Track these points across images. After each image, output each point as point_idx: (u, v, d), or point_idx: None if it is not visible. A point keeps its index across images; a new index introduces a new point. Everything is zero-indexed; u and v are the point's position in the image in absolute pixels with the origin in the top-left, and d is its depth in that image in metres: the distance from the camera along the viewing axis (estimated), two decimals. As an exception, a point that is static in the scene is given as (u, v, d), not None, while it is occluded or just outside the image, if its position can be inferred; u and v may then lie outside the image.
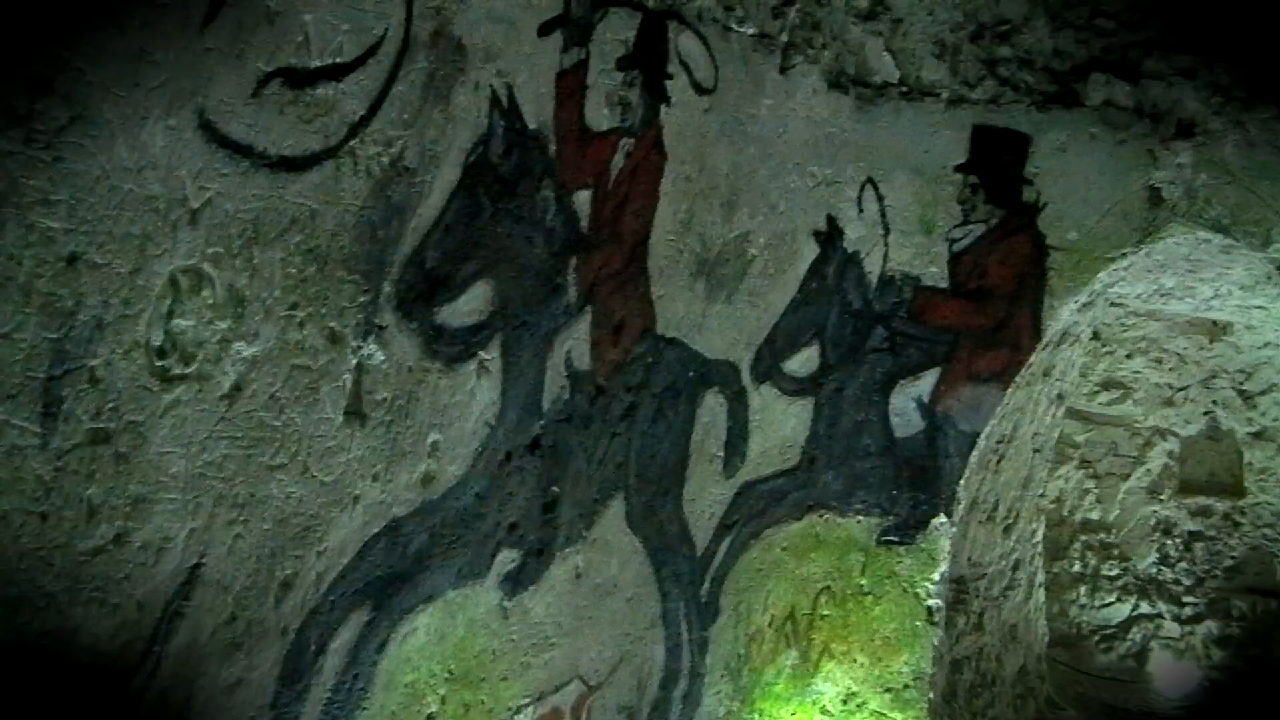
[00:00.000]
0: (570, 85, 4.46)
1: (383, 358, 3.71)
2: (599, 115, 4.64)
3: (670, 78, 5.02)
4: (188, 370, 3.08)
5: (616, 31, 4.69)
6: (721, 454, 5.73)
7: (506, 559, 4.49)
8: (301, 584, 3.55)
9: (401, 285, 3.75)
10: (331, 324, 3.50)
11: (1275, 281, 6.51)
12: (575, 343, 4.69)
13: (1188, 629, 9.04)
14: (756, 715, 6.08)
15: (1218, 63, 6.32)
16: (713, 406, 5.62)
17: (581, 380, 4.76)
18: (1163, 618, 9.08)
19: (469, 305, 4.08)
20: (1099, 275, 6.41)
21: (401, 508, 3.92)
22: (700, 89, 5.22)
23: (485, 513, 4.32)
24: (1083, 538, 9.04)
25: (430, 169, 3.81)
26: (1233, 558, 8.97)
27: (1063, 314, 6.48)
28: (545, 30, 4.29)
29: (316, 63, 3.35)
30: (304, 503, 3.51)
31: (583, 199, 4.61)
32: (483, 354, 4.18)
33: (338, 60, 3.43)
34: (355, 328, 3.60)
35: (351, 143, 3.51)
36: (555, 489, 4.70)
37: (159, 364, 3.00)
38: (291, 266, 3.34)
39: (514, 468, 4.45)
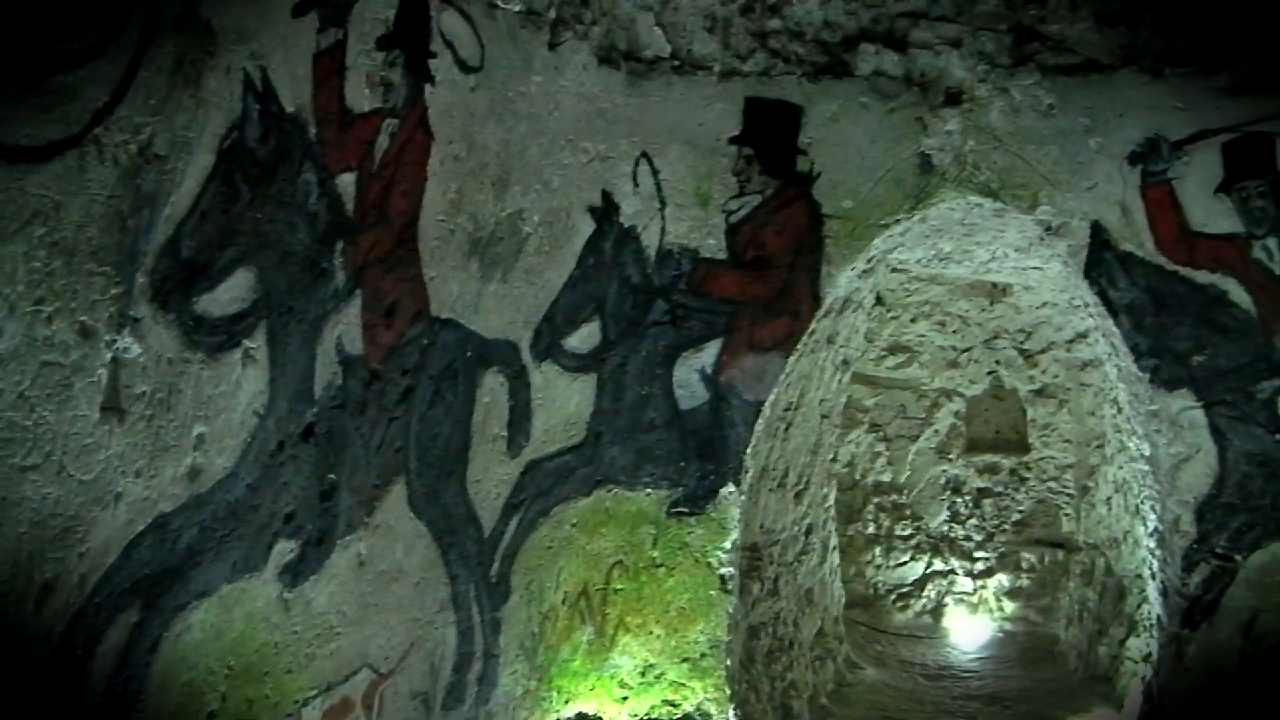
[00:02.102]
0: (328, 66, 4.50)
1: (139, 350, 3.69)
2: (360, 96, 4.71)
3: (434, 56, 5.12)
4: (-74, 372, 3.04)
5: (376, 10, 4.76)
6: (505, 433, 5.88)
7: (284, 550, 4.53)
8: (64, 586, 3.53)
9: (156, 276, 3.73)
10: (82, 318, 3.47)
11: (1047, 243, 6.92)
12: (346, 327, 4.76)
13: (980, 583, 9.61)
14: (554, 693, 6.25)
15: (982, 31, 6.70)
16: (493, 386, 5.77)
17: (354, 365, 4.83)
18: (956, 573, 9.63)
19: (230, 294, 4.09)
20: (875, 241, 6.75)
21: (168, 503, 3.91)
22: (466, 67, 5.34)
23: (259, 504, 4.36)
24: (875, 500, 9.51)
25: (182, 155, 3.80)
26: (1020, 512, 9.56)
27: (841, 281, 6.80)
28: (300, 10, 4.32)
29: (53, 49, 3.31)
30: (61, 503, 3.48)
31: (347, 181, 4.67)
32: (247, 343, 4.19)
33: (76, 46, 3.39)
34: (108, 321, 3.57)
35: (95, 131, 3.45)
36: (333, 476, 4.77)
37: (-106, 367, 2.95)
38: (35, 260, 3.29)
39: (287, 457, 4.49)
